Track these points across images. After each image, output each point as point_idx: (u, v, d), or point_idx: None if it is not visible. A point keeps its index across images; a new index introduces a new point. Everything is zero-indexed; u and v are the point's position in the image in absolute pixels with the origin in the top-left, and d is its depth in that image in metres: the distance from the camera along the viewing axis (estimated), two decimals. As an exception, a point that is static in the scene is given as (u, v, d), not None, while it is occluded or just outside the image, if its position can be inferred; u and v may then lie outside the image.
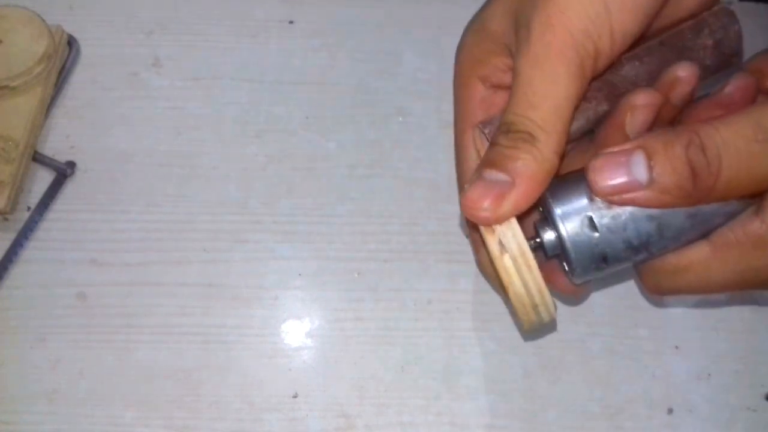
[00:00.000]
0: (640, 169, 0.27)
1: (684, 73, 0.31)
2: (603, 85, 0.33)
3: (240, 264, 0.44)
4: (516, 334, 0.43)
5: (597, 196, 0.28)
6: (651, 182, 0.27)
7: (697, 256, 0.29)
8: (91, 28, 0.50)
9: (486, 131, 0.34)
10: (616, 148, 0.28)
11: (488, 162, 0.29)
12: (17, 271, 0.43)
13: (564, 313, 0.44)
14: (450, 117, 0.38)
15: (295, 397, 0.41)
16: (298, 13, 0.51)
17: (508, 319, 0.43)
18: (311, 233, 0.45)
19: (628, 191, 0.28)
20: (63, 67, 0.48)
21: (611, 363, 0.43)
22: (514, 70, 0.30)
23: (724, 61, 0.34)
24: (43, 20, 0.46)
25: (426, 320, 0.43)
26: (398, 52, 0.50)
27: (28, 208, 0.44)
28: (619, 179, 0.27)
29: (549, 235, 0.31)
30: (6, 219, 0.44)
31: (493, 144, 0.30)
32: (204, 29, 0.51)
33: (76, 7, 0.50)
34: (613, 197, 0.28)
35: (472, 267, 0.44)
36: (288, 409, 0.41)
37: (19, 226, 0.44)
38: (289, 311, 0.43)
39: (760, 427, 0.42)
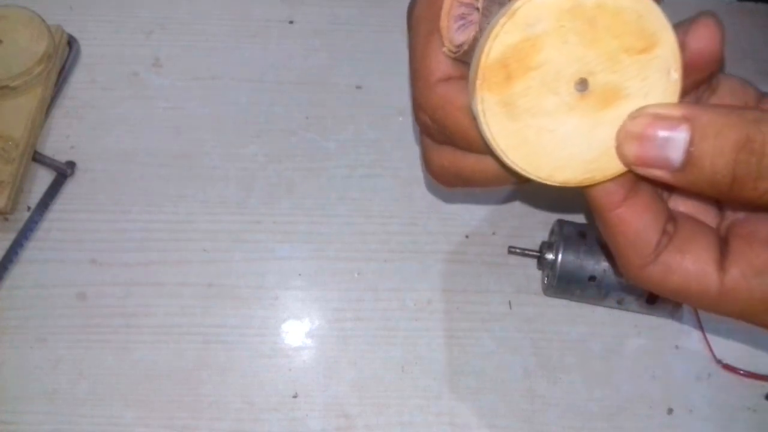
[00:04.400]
0: (676, 149, 0.22)
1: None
2: None
3: (240, 264, 0.44)
4: (516, 334, 0.43)
5: (619, 157, 0.23)
6: (682, 168, 0.22)
7: (701, 289, 0.24)
8: (91, 28, 0.50)
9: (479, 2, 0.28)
10: (662, 110, 0.23)
11: None
12: (17, 271, 0.43)
13: (564, 313, 0.44)
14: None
15: (295, 397, 0.41)
16: (298, 13, 0.51)
17: (508, 319, 0.43)
18: (311, 233, 0.45)
19: (653, 166, 0.23)
20: (63, 67, 0.48)
21: (611, 363, 0.43)
22: None
23: None
24: (43, 20, 0.46)
25: (426, 320, 0.43)
26: (398, 52, 0.50)
27: (28, 208, 0.44)
28: (649, 151, 0.22)
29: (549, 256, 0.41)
30: (6, 219, 0.44)
31: None
32: (204, 29, 0.51)
33: (76, 7, 0.50)
34: (636, 167, 0.23)
35: (472, 267, 0.44)
36: (288, 409, 0.41)
37: (19, 226, 0.44)
38: (289, 311, 0.43)
39: (760, 427, 0.41)
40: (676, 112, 0.22)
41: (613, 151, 0.23)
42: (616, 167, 0.23)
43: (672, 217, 0.25)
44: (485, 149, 0.25)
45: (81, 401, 0.40)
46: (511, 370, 0.42)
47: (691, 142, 0.22)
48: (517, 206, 0.46)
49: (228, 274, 0.44)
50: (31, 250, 0.44)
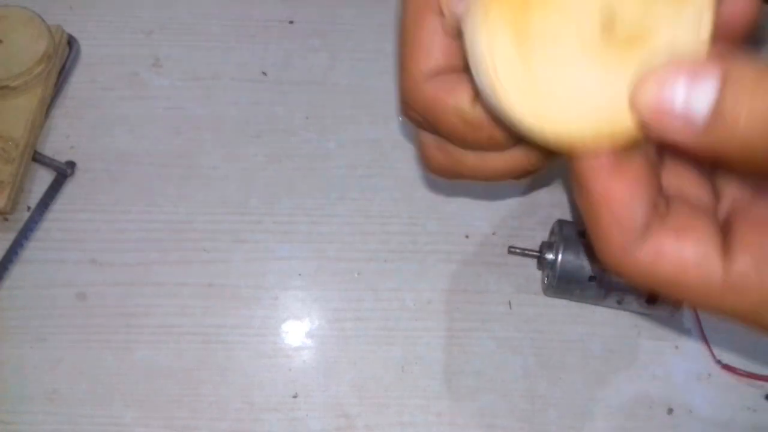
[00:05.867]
0: (702, 98, 0.18)
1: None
2: None
3: (240, 264, 0.44)
4: (516, 334, 0.43)
5: (633, 107, 0.19)
6: (708, 125, 0.18)
7: (702, 278, 0.20)
8: (91, 28, 0.50)
9: None
10: (691, 56, 0.19)
11: None
12: (17, 271, 0.43)
13: (564, 313, 0.44)
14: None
15: (295, 397, 0.41)
16: (298, 13, 0.51)
17: (507, 319, 0.43)
18: (311, 233, 0.45)
19: (670, 119, 0.18)
20: (63, 67, 0.48)
21: (611, 363, 0.43)
22: None
23: None
24: (43, 20, 0.46)
25: (426, 320, 0.43)
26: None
27: (28, 208, 0.44)
28: (668, 99, 0.18)
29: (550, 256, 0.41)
30: (6, 219, 0.44)
31: None
32: (204, 29, 0.51)
33: (76, 7, 0.50)
34: (650, 119, 0.19)
35: (472, 267, 0.44)
36: (288, 409, 0.41)
37: (19, 226, 0.44)
38: (289, 311, 0.43)
39: (760, 427, 0.41)
40: (708, 58, 0.19)
41: (626, 104, 0.19)
42: (625, 124, 0.20)
43: (665, 195, 0.22)
44: (482, 106, 0.21)
45: (81, 401, 0.40)
46: (511, 370, 0.42)
47: (723, 87, 0.18)
48: (517, 206, 0.46)
49: (228, 274, 0.44)
50: (31, 250, 0.44)
